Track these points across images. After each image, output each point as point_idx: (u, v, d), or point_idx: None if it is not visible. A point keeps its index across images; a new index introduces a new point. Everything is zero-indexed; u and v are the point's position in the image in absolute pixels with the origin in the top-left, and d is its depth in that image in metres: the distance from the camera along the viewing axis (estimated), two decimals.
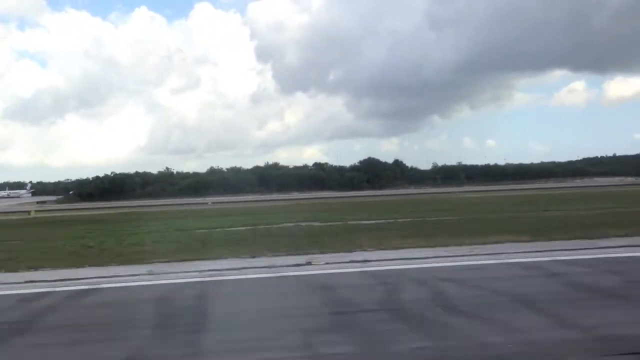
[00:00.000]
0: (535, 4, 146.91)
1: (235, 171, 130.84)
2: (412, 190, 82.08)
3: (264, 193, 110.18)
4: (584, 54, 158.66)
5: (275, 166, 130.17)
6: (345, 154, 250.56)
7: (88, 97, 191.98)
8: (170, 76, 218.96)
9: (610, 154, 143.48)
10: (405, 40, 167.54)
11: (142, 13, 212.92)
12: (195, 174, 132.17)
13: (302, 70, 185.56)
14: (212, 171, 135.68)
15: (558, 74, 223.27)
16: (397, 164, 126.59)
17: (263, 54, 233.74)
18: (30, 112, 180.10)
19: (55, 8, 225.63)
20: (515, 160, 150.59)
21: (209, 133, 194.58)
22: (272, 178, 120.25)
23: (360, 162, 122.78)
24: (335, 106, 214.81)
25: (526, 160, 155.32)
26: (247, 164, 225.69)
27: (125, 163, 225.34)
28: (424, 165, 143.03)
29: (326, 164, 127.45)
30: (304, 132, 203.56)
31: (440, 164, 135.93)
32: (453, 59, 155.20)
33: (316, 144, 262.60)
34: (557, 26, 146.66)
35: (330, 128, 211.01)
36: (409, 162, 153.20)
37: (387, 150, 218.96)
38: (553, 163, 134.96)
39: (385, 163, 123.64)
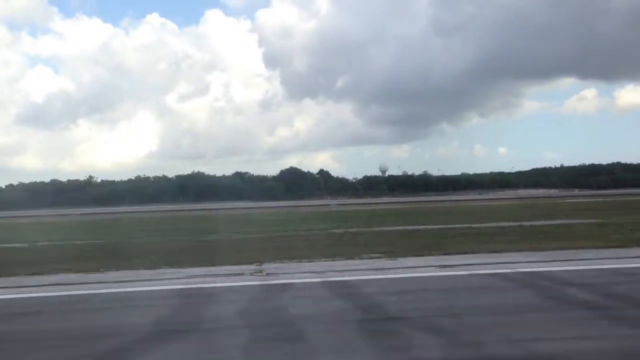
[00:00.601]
0: (542, 12, 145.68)
1: (157, 180, 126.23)
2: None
3: (181, 203, 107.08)
4: (591, 61, 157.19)
5: (197, 175, 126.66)
6: (357, 161, 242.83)
7: (99, 103, 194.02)
8: (181, 82, 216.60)
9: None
10: (412, 48, 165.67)
11: (153, 20, 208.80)
12: (114, 183, 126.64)
13: (310, 77, 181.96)
14: (139, 179, 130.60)
15: (566, 82, 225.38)
16: (322, 174, 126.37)
17: (271, 61, 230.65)
18: (43, 117, 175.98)
19: (67, 14, 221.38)
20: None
21: (217, 139, 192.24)
22: (191, 187, 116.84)
23: (282, 171, 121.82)
24: (344, 113, 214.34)
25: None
26: (257, 169, 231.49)
27: (136, 169, 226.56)
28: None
29: (246, 173, 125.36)
30: (313, 138, 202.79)
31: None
32: (461, 67, 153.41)
33: (325, 151, 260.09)
34: (564, 34, 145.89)
35: (339, 135, 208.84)
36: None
37: (397, 157, 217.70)
38: (476, 174, 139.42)
39: (308, 173, 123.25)
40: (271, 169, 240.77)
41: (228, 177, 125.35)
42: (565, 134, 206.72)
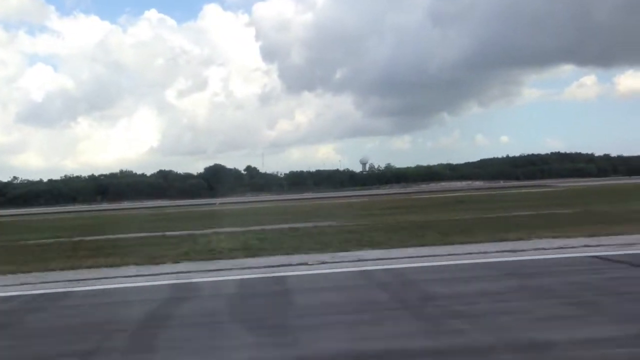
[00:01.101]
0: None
1: (70, 180, 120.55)
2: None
3: (98, 203, 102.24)
4: (589, 48, 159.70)
5: (117, 174, 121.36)
6: (359, 153, 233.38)
7: (99, 100, 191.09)
8: (179, 78, 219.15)
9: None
10: (410, 38, 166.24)
11: (151, 16, 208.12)
12: (29, 183, 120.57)
13: (308, 70, 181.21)
14: (61, 180, 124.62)
15: (565, 68, 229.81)
16: (250, 170, 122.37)
17: (269, 54, 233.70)
18: (43, 115, 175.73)
19: (64, 12, 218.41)
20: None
21: (217, 134, 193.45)
22: (109, 187, 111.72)
23: (206, 169, 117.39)
24: (343, 105, 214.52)
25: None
26: (258, 163, 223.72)
27: (139, 164, 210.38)
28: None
29: (171, 171, 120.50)
30: (314, 131, 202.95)
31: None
32: (459, 56, 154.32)
33: (326, 143, 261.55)
34: (561, 20, 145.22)
35: (340, 127, 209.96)
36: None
37: (399, 148, 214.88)
38: (408, 168, 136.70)
39: (234, 170, 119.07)
40: (275, 163, 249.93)
41: (151, 175, 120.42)
42: (565, 121, 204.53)
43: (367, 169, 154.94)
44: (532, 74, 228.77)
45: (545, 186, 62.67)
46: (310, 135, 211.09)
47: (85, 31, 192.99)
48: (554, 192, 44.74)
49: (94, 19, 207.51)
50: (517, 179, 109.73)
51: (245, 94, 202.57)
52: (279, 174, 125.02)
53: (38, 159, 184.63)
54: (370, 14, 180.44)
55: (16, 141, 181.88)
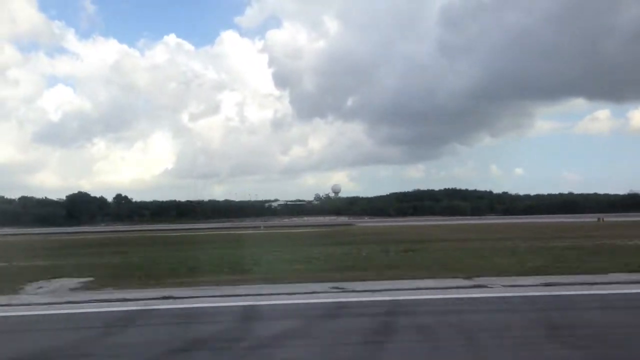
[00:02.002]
0: (548, 32, 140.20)
1: None
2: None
3: None
4: (600, 82, 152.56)
5: None
6: (374, 181, 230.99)
7: (114, 122, 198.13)
8: (193, 101, 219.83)
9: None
10: (420, 68, 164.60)
11: (169, 40, 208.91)
12: None
13: (319, 97, 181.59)
14: None
15: (575, 102, 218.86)
16: (119, 198, 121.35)
17: (281, 81, 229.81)
18: (59, 135, 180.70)
19: (83, 35, 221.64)
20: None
21: (230, 158, 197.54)
22: None
23: (68, 196, 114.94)
24: (355, 133, 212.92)
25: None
26: (271, 189, 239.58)
27: (153, 187, 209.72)
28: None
29: (32, 197, 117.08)
30: (326, 158, 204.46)
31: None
32: (469, 87, 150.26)
33: (339, 170, 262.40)
34: (571, 54, 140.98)
35: (352, 154, 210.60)
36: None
37: (411, 176, 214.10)
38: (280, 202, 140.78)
39: (100, 198, 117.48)
40: (281, 190, 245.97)
41: (11, 200, 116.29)
42: (577, 155, 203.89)
43: (337, 196, 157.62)
44: (543, 106, 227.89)
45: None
46: (323, 162, 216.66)
47: (102, 54, 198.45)
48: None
49: (113, 42, 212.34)
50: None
51: (258, 120, 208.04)
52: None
53: (55, 179, 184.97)
54: (382, 44, 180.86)
55: (33, 160, 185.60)
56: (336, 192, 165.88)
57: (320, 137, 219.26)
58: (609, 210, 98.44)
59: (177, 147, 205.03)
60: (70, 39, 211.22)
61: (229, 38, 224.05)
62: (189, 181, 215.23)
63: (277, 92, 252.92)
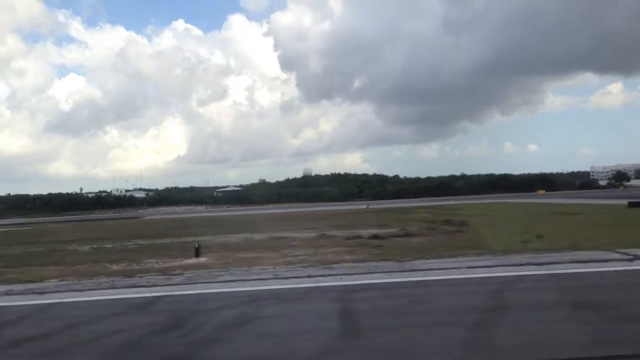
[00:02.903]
0: (554, 6, 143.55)
1: None
2: None
3: None
4: (607, 55, 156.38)
5: None
6: (388, 161, 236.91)
7: (124, 110, 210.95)
8: (201, 87, 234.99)
9: None
10: (426, 46, 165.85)
11: (178, 26, 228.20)
12: None
13: (327, 78, 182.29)
14: None
15: (584, 77, 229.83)
16: None
17: (287, 64, 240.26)
18: (71, 125, 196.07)
19: (90, 24, 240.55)
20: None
21: (239, 142, 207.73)
22: None
23: None
24: (364, 114, 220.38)
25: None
26: (283, 172, 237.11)
27: (167, 173, 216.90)
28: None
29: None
30: (337, 139, 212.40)
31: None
32: (476, 64, 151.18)
33: (350, 152, 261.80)
34: (578, 28, 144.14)
35: (362, 136, 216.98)
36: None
37: (426, 156, 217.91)
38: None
39: None
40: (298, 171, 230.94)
41: None
42: (588, 130, 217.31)
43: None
44: (552, 82, 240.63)
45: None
46: (334, 144, 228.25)
47: (110, 41, 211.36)
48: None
49: (120, 29, 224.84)
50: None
51: (267, 103, 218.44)
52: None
53: (70, 167, 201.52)
54: (387, 23, 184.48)
55: (47, 150, 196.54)
56: (307, 175, 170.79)
57: (329, 119, 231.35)
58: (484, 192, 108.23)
59: (187, 133, 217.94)
60: (78, 27, 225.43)
61: (236, 22, 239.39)
62: (201, 167, 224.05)
63: (284, 75, 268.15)
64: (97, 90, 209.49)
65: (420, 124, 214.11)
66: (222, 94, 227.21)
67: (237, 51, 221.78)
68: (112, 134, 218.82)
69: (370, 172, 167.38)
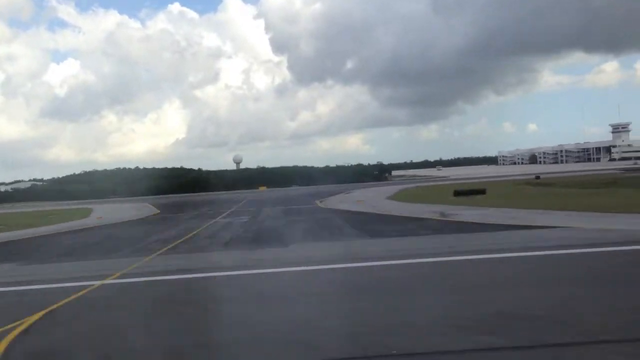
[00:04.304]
0: None
1: None
2: None
3: None
4: (596, 34, 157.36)
5: None
6: (386, 143, 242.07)
7: (119, 94, 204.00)
8: (196, 71, 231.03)
9: None
10: (416, 26, 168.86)
11: (171, 10, 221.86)
12: None
13: (319, 60, 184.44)
14: None
15: (575, 56, 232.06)
16: None
17: (279, 46, 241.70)
18: (66, 109, 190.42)
19: (83, 8, 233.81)
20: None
21: (235, 126, 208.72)
22: None
23: None
24: (357, 96, 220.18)
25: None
26: (281, 155, 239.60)
27: (167, 157, 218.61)
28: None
29: None
30: (333, 122, 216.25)
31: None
32: (468, 44, 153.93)
33: (347, 134, 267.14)
34: (568, 6, 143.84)
35: (358, 118, 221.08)
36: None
37: (426, 138, 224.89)
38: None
39: None
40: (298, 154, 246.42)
41: None
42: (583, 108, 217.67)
43: (239, 167, 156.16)
44: (544, 61, 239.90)
45: None
46: (331, 126, 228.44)
47: (104, 25, 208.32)
48: None
49: (113, 13, 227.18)
50: None
51: (263, 86, 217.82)
52: None
53: (69, 152, 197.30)
54: (377, 3, 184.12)
55: (44, 135, 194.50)
56: (237, 163, 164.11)
57: (325, 101, 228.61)
58: None
59: (183, 116, 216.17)
60: (69, 12, 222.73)
61: (231, 4, 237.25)
62: (200, 150, 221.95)
63: (276, 58, 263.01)
64: (91, 75, 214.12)
65: (413, 106, 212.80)
66: (214, 77, 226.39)
67: (231, 34, 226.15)
68: (109, 118, 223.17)
69: (372, 155, 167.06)
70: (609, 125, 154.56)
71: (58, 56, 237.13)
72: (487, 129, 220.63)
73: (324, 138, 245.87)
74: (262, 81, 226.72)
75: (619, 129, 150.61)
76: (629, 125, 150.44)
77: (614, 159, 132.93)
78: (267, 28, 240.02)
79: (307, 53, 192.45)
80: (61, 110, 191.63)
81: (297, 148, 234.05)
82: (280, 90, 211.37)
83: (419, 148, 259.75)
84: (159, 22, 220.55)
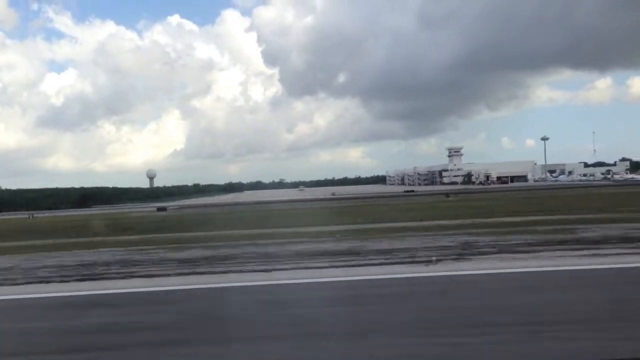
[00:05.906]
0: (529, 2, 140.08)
1: None
2: None
3: None
4: (583, 50, 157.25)
5: None
6: (386, 157, 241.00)
7: (116, 105, 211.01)
8: (188, 82, 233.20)
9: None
10: (406, 41, 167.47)
11: (171, 22, 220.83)
12: None
13: (310, 74, 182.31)
14: None
15: (560, 72, 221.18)
16: None
17: (270, 58, 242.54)
18: (62, 119, 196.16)
19: (80, 19, 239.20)
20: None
21: (231, 138, 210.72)
22: None
23: None
24: (353, 109, 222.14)
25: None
26: (279, 167, 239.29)
27: (164, 168, 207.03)
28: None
29: None
30: (332, 134, 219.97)
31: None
32: (458, 59, 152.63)
33: (342, 147, 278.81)
34: (554, 24, 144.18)
35: (354, 131, 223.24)
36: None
37: (424, 151, 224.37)
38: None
39: None
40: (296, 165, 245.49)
41: None
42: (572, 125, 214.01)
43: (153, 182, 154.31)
44: (533, 77, 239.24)
45: None
46: (329, 138, 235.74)
47: (100, 36, 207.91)
48: None
49: (110, 24, 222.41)
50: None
51: (259, 98, 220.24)
52: None
53: (67, 162, 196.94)
54: (369, 18, 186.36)
55: (40, 144, 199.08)
56: (151, 177, 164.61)
57: (322, 114, 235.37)
58: None
59: (180, 127, 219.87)
60: (68, 23, 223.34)
61: (228, 17, 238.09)
62: (198, 162, 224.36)
63: (268, 70, 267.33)
64: (88, 85, 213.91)
65: (406, 119, 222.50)
66: (206, 89, 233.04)
67: (228, 46, 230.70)
68: (107, 128, 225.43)
69: (372, 168, 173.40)
70: (446, 148, 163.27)
71: (55, 66, 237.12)
72: (484, 143, 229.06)
73: (324, 151, 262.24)
74: (258, 93, 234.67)
75: (452, 153, 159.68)
76: (460, 149, 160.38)
77: (444, 183, 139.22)
78: (259, 41, 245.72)
79: (298, 66, 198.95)
80: (58, 119, 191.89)
81: (293, 160, 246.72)
82: (274, 103, 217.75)
83: (416, 160, 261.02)
84: (155, 34, 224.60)
